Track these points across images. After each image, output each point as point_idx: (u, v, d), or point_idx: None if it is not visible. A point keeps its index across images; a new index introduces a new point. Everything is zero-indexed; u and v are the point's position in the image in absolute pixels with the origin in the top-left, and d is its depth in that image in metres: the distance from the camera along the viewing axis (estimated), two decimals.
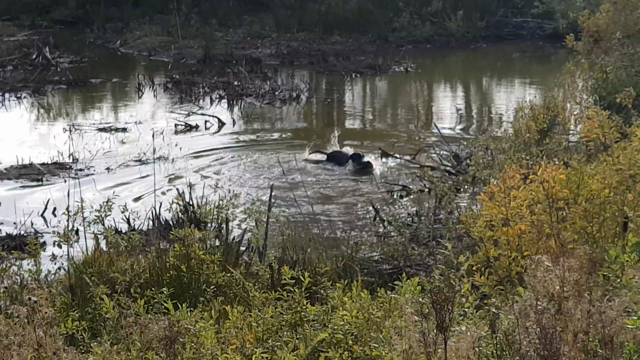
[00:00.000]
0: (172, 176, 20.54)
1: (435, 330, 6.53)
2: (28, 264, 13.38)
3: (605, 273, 8.01)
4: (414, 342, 6.70)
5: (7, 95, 27.84)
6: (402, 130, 25.41)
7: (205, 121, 25.15)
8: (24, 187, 20.44)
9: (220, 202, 17.68)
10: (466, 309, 8.71)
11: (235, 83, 28.54)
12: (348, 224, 17.98)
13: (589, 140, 13.50)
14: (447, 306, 6.58)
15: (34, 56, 31.47)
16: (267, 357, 8.66)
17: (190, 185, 19.00)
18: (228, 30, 34.79)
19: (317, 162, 21.58)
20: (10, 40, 34.15)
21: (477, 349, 6.56)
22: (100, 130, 24.68)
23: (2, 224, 18.06)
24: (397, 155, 21.83)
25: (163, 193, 18.82)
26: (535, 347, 6.25)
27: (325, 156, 19.97)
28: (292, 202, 18.76)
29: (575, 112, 20.35)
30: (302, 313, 10.91)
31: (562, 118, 19.99)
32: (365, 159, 19.41)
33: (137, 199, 18.85)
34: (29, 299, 5.62)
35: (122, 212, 17.01)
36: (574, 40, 22.66)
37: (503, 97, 29.03)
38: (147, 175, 20.69)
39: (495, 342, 6.54)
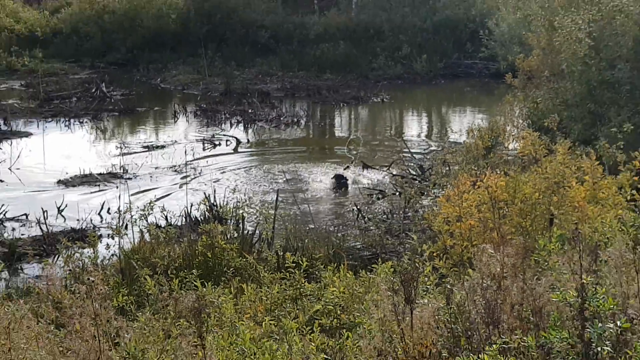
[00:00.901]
0: (200, 183, 20.50)
1: (403, 303, 6.51)
2: (88, 252, 13.34)
3: (535, 258, 8.00)
4: (387, 312, 6.67)
5: (72, 120, 27.81)
6: (378, 147, 25.38)
7: (226, 140, 25.14)
8: (84, 192, 20.39)
9: (238, 203, 17.71)
10: (428, 286, 8.71)
11: (249, 111, 28.53)
12: (337, 220, 17.99)
13: (524, 155, 13.50)
14: (413, 284, 6.57)
15: (93, 90, 31.39)
16: (274, 324, 8.62)
17: (214, 190, 19.02)
18: (244, 69, 34.71)
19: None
20: (75, 77, 34.06)
21: (436, 317, 6.54)
22: (144, 147, 24.65)
23: (65, 220, 18.05)
24: (375, 167, 21.83)
25: (193, 196, 18.77)
26: (481, 315, 6.24)
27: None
28: (293, 203, 18.78)
29: (513, 133, 20.34)
30: (301, 289, 10.92)
31: (502, 138, 19.99)
32: (345, 179, 19.42)
33: (172, 201, 18.80)
34: (88, 279, 5.59)
35: (161, 211, 17.03)
36: (512, 77, 22.66)
37: (457, 122, 28.99)
38: (181, 182, 20.75)
39: (450, 311, 6.51)
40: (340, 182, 19.12)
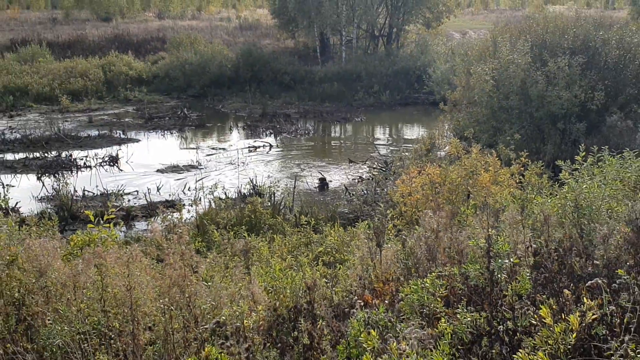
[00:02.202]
0: (247, 171, 20.51)
1: (375, 247, 6.51)
2: (176, 215, 13.37)
3: (458, 219, 7.99)
4: (365, 252, 6.68)
5: (165, 132, 27.79)
6: (359, 149, 25.37)
7: (263, 145, 25.09)
8: (174, 177, 20.42)
9: (270, 184, 17.73)
10: (390, 236, 8.71)
11: (277, 126, 28.45)
12: (333, 195, 18.00)
13: (451, 154, 13.50)
14: (381, 235, 6.57)
15: (178, 112, 31.32)
16: (293, 260, 8.63)
17: (255, 175, 19.03)
18: (274, 100, 34.60)
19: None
20: (167, 105, 33.99)
21: (395, 256, 6.55)
22: (211, 149, 24.66)
23: (162, 195, 18.10)
24: (357, 162, 21.83)
25: (242, 179, 18.79)
26: (424, 254, 6.23)
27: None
28: (305, 184, 18.81)
29: (444, 141, 20.30)
30: (310, 238, 10.96)
31: (437, 143, 19.93)
32: (326, 181, 19.04)
33: (229, 183, 18.82)
34: (177, 231, 5.58)
35: (222, 189, 17.07)
36: (443, 105, 22.62)
37: (408, 133, 28.94)
38: (234, 171, 20.79)
39: (404, 252, 6.51)
40: (322, 183, 18.81)
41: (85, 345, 4.60)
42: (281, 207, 15.39)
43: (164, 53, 41.43)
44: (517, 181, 11.57)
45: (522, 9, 68.01)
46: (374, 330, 3.76)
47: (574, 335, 3.22)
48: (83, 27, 51.40)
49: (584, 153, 9.66)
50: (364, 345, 3.68)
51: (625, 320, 3.80)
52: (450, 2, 46.53)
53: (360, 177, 19.91)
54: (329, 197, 17.77)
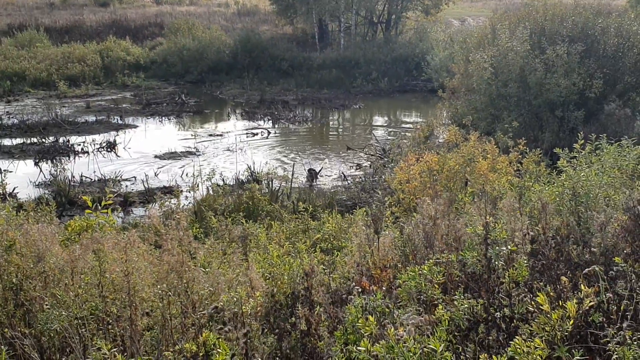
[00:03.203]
0: (245, 158, 20.50)
1: (373, 233, 6.51)
2: (174, 201, 13.37)
3: (456, 206, 7.99)
4: (363, 239, 6.68)
5: (163, 118, 27.76)
6: (357, 136, 25.36)
7: (260, 131, 25.08)
8: (171, 163, 20.40)
9: (268, 170, 17.73)
10: (388, 223, 8.71)
11: (275, 113, 28.39)
12: (333, 183, 18.00)
13: (449, 141, 13.48)
14: (378, 221, 6.57)
15: (176, 99, 31.24)
16: (291, 246, 8.63)
17: (253, 162, 19.03)
18: (272, 87, 34.53)
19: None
20: (165, 90, 33.90)
21: (393, 242, 6.55)
22: (209, 135, 24.63)
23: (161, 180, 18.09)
24: (355, 149, 21.81)
25: (240, 165, 18.78)
26: (422, 241, 6.24)
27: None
28: (303, 172, 18.80)
29: (442, 128, 20.30)
30: (308, 225, 10.95)
31: (435, 131, 19.94)
32: (315, 171, 18.57)
33: (227, 169, 18.81)
34: (175, 217, 5.58)
35: (220, 175, 17.07)
36: (442, 92, 22.61)
37: (407, 120, 28.91)
38: (232, 157, 20.76)
39: (402, 239, 6.52)
40: (311, 174, 18.46)
41: (83, 330, 4.61)
42: (279, 194, 15.40)
43: (161, 39, 41.32)
44: (515, 169, 11.57)
45: None
46: (372, 317, 3.76)
47: (571, 322, 3.23)
48: (81, 12, 51.15)
49: (582, 141, 9.67)
50: (361, 331, 3.69)
51: (622, 308, 3.81)
52: None
53: (358, 164, 19.91)
54: (326, 185, 17.77)
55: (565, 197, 6.97)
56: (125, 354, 4.39)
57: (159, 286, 5.06)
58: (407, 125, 26.92)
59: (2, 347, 4.21)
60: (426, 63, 30.77)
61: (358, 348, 3.23)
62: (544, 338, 3.10)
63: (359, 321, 3.76)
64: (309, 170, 18.58)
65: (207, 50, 37.80)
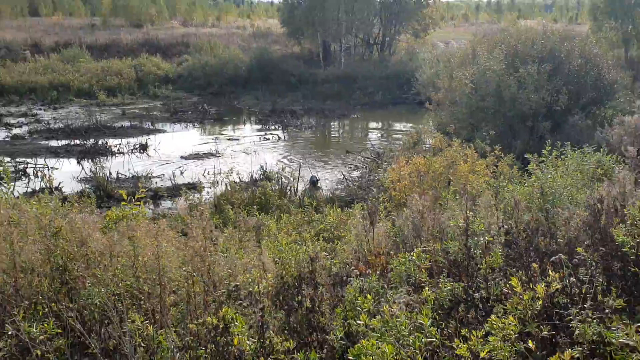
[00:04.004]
0: (258, 158, 20.50)
1: (369, 225, 6.52)
2: (197, 195, 13.40)
3: (441, 202, 7.99)
4: (360, 230, 6.68)
5: (188, 124, 27.79)
6: (355, 141, 25.36)
7: (272, 136, 25.10)
8: (195, 163, 20.42)
9: (278, 169, 17.75)
10: (381, 217, 8.71)
11: (285, 120, 28.44)
12: (334, 182, 17.99)
13: (434, 147, 13.49)
14: (373, 215, 6.57)
15: (199, 108, 31.29)
16: (297, 235, 8.64)
17: (265, 162, 19.04)
18: (282, 98, 34.49)
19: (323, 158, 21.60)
20: (190, 101, 33.93)
21: (386, 233, 6.56)
22: (228, 139, 24.67)
23: (186, 178, 18.10)
24: (353, 152, 21.82)
25: (254, 165, 18.78)
26: (411, 232, 6.24)
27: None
28: (311, 173, 18.79)
29: (428, 135, 20.28)
30: (312, 217, 10.94)
31: (423, 137, 19.90)
32: (315, 179, 17.86)
33: (243, 168, 18.81)
34: (199, 209, 5.59)
35: (236, 174, 17.05)
36: (429, 105, 22.57)
37: (398, 128, 28.87)
38: (248, 158, 20.76)
39: (394, 230, 6.53)
40: (313, 181, 17.96)
41: (119, 305, 4.62)
42: (287, 190, 15.40)
43: (187, 56, 41.35)
44: (492, 171, 11.57)
45: (498, 22, 67.67)
46: (369, 295, 3.77)
47: (540, 302, 3.24)
48: (118, 33, 51.14)
49: (549, 147, 9.68)
50: (359, 307, 3.70)
51: (583, 291, 3.82)
52: (435, 15, 46.34)
53: (355, 165, 19.91)
54: (332, 183, 17.75)
55: (535, 196, 6.97)
56: (156, 325, 4.41)
57: (184, 268, 5.08)
58: (398, 133, 26.92)
59: (50, 318, 4.22)
60: (415, 79, 30.71)
61: (358, 322, 3.23)
62: (516, 316, 3.11)
63: (358, 299, 3.77)
64: (311, 177, 18.50)
65: (226, 66, 37.85)
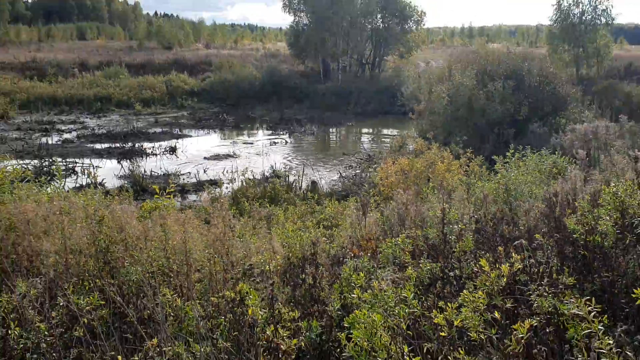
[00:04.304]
0: (269, 159, 20.47)
1: (361, 214, 6.51)
2: (217, 190, 13.38)
3: (421, 196, 7.98)
4: (354, 219, 6.68)
5: (210, 130, 27.78)
6: (350, 145, 25.33)
7: (280, 140, 25.08)
8: (216, 163, 20.38)
9: (286, 168, 17.72)
10: (372, 208, 8.69)
11: (291, 127, 28.43)
12: (332, 179, 17.96)
13: (417, 150, 13.46)
14: (365, 206, 6.56)
15: (219, 116, 31.27)
16: (301, 223, 8.63)
17: (275, 163, 19.02)
18: (289, 109, 34.49)
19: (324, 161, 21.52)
20: (211, 110, 33.88)
21: (376, 221, 6.55)
22: (243, 143, 24.65)
23: (209, 176, 18.05)
24: (348, 154, 21.77)
25: (266, 165, 18.76)
26: (397, 221, 6.24)
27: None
28: (313, 171, 18.76)
29: (412, 140, 20.24)
30: (314, 208, 10.92)
31: (407, 142, 19.87)
32: (316, 182, 17.82)
33: (256, 168, 18.79)
34: (220, 201, 5.58)
35: (251, 172, 17.01)
36: (412, 114, 22.52)
37: (387, 134, 28.82)
38: (260, 159, 20.74)
39: (383, 219, 6.52)
40: (313, 184, 18.23)
41: (153, 281, 4.63)
42: (293, 186, 15.39)
43: (209, 73, 41.33)
44: (464, 170, 11.55)
45: (470, 45, 67.60)
46: (362, 273, 3.77)
47: (504, 279, 3.24)
48: (152, 54, 51.09)
49: (512, 150, 9.67)
50: (353, 284, 3.70)
51: (540, 270, 3.82)
52: (418, 40, 46.31)
53: (350, 165, 19.88)
54: (331, 180, 17.72)
55: (500, 191, 6.97)
56: (183, 298, 4.41)
57: (207, 250, 5.08)
58: (387, 138, 26.89)
59: (95, 292, 4.23)
60: (401, 93, 30.68)
61: (352, 295, 3.23)
62: (484, 291, 3.11)
63: (352, 276, 3.77)
64: (312, 181, 18.49)
65: (242, 82, 37.81)
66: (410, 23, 43.92)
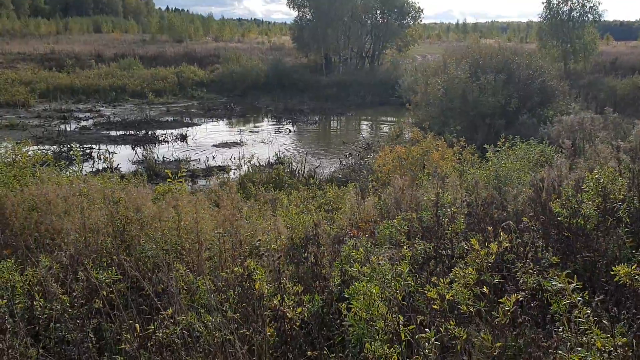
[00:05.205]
0: (274, 147, 20.48)
1: (360, 199, 6.54)
2: (225, 175, 13.41)
3: (417, 182, 8.01)
4: (353, 203, 6.71)
5: (218, 119, 27.73)
6: (349, 134, 25.28)
7: (284, 129, 25.03)
8: (224, 150, 20.37)
9: (289, 155, 17.70)
10: (370, 193, 8.72)
11: (294, 117, 28.35)
12: (333, 166, 17.97)
13: (413, 138, 13.44)
14: (364, 191, 6.60)
15: (227, 106, 31.19)
16: (304, 207, 8.67)
17: (279, 150, 19.02)
18: (292, 99, 34.35)
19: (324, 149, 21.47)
20: (219, 101, 33.77)
21: (374, 205, 6.59)
22: (249, 131, 24.61)
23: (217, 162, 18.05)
24: (348, 142, 21.73)
25: (270, 152, 18.75)
26: (393, 205, 6.27)
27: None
28: (315, 158, 18.77)
29: (408, 129, 20.19)
30: (315, 193, 10.94)
31: (404, 131, 19.83)
32: (313, 170, 17.67)
33: (261, 154, 18.78)
34: (229, 184, 5.61)
35: (257, 158, 17.02)
36: (409, 105, 22.45)
37: (385, 123, 28.76)
38: (265, 147, 20.74)
39: (380, 203, 6.56)
40: (313, 171, 17.98)
41: (166, 257, 4.68)
42: (296, 172, 15.40)
43: (218, 65, 41.14)
44: (457, 158, 11.56)
45: (464, 41, 67.13)
46: (361, 249, 3.82)
47: (493, 257, 3.28)
48: (163, 46, 50.85)
49: (503, 140, 9.68)
50: (352, 260, 3.74)
51: (526, 250, 3.86)
52: (415, 34, 46.02)
53: (350, 153, 19.87)
54: (331, 167, 17.71)
55: (491, 177, 7.00)
56: (194, 273, 4.47)
57: (217, 230, 5.12)
58: (384, 127, 26.84)
59: (113, 267, 4.29)
60: (398, 85, 30.56)
61: (352, 268, 3.28)
62: (474, 267, 3.15)
63: (352, 252, 3.82)
64: (309, 169, 18.45)
65: (249, 74, 37.64)
66: (408, 19, 43.63)
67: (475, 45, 24.35)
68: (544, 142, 10.15)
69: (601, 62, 37.50)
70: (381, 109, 33.16)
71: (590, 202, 4.51)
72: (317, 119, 28.96)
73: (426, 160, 11.23)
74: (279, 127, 25.66)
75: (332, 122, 29.33)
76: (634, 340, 2.49)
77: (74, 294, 3.81)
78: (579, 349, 2.33)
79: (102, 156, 18.07)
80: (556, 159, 7.41)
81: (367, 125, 29.27)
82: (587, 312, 2.35)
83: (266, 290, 3.39)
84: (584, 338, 2.40)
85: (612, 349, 2.20)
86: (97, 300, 3.79)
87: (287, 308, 3.10)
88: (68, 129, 23.47)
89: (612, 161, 6.52)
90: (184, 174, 7.18)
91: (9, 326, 3.08)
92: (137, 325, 3.30)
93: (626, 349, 2.18)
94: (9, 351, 2.98)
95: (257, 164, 16.39)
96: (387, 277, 2.81)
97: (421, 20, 45.49)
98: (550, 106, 18.83)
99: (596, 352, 2.21)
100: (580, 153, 10.80)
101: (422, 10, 43.66)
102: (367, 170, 14.56)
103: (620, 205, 4.44)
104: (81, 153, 18.22)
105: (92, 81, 34.50)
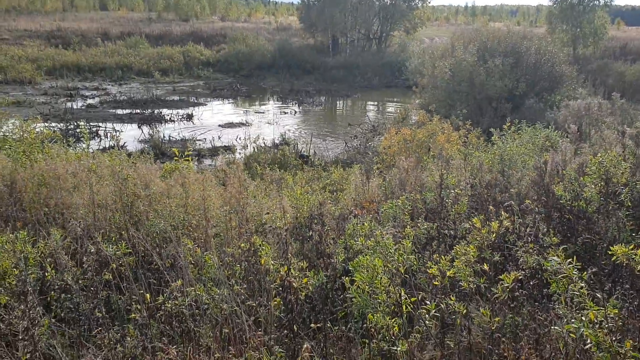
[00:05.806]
0: (279, 127, 20.48)
1: (365, 179, 6.60)
2: (232, 155, 13.46)
3: (422, 164, 8.06)
4: (358, 183, 6.77)
5: (224, 99, 27.67)
6: (355, 116, 25.23)
7: (290, 110, 25.00)
8: (230, 130, 20.39)
9: (294, 136, 17.73)
10: (375, 174, 8.78)
11: (300, 98, 28.26)
12: (338, 148, 17.98)
13: (419, 121, 13.45)
14: (369, 172, 6.66)
15: (233, 86, 31.10)
16: (309, 187, 8.73)
17: (285, 131, 19.03)
18: (298, 80, 34.21)
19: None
20: (225, 81, 33.64)
21: (378, 186, 6.65)
22: (255, 112, 24.59)
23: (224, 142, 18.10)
24: (354, 125, 21.71)
25: (276, 133, 18.76)
26: (398, 186, 6.33)
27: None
28: (320, 140, 18.79)
29: (414, 112, 20.14)
30: (320, 174, 11.01)
31: (410, 113, 19.78)
32: (306, 156, 17.19)
33: (267, 135, 18.79)
34: (236, 163, 5.67)
35: (262, 139, 17.05)
36: (415, 88, 22.35)
37: (391, 106, 28.66)
38: (271, 127, 20.75)
39: (385, 184, 6.61)
40: (303, 158, 17.80)
41: (174, 233, 4.77)
42: (301, 153, 15.44)
43: (224, 45, 40.88)
44: (463, 141, 11.58)
45: (472, 24, 66.36)
46: (366, 224, 3.89)
47: (494, 235, 3.35)
48: (170, 25, 50.52)
49: (509, 124, 9.69)
50: (357, 235, 3.82)
51: (527, 230, 3.93)
52: (423, 16, 45.50)
53: (355, 135, 19.86)
54: (337, 149, 17.72)
55: (495, 161, 7.04)
56: (202, 249, 4.56)
57: (223, 207, 5.20)
58: (390, 110, 26.76)
59: (122, 242, 4.39)
60: (405, 67, 30.31)
61: (356, 242, 3.36)
62: (475, 245, 3.22)
63: (357, 227, 3.89)
64: (300, 155, 18.17)
65: (255, 54, 37.45)
66: (417, 0, 43.17)
67: (484, 28, 24.13)
68: (550, 127, 10.15)
69: (611, 47, 37.08)
70: (388, 91, 32.99)
71: (592, 186, 4.56)
72: (323, 100, 28.89)
73: (432, 143, 11.26)
74: (284, 108, 25.64)
75: (338, 104, 29.25)
76: (626, 314, 2.56)
77: (85, 266, 3.91)
78: (573, 320, 2.40)
79: (108, 134, 18.15)
80: (561, 143, 7.44)
81: (373, 107, 29.18)
82: (581, 285, 2.42)
83: (271, 266, 3.48)
84: (580, 314, 2.48)
85: (603, 319, 2.27)
86: (106, 272, 3.90)
87: (293, 279, 3.19)
88: (75, 106, 23.52)
89: (618, 146, 6.55)
90: (190, 153, 7.26)
91: (29, 288, 3.19)
92: (148, 295, 3.40)
93: (617, 320, 2.25)
94: (30, 312, 3.09)
95: (263, 145, 16.44)
96: (390, 251, 2.88)
97: (429, 2, 45.00)
98: (557, 91, 18.72)
99: (589, 324, 2.28)
100: (586, 138, 10.80)
101: None
102: (372, 152, 14.59)
103: (622, 189, 4.48)
104: (88, 131, 18.30)
105: (99, 59, 34.44)
